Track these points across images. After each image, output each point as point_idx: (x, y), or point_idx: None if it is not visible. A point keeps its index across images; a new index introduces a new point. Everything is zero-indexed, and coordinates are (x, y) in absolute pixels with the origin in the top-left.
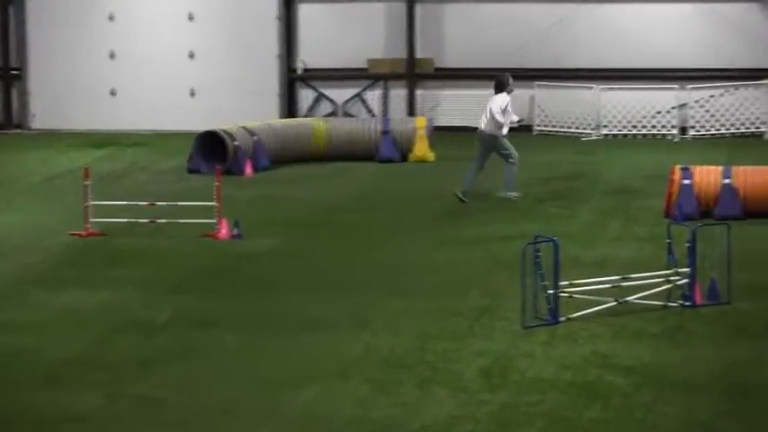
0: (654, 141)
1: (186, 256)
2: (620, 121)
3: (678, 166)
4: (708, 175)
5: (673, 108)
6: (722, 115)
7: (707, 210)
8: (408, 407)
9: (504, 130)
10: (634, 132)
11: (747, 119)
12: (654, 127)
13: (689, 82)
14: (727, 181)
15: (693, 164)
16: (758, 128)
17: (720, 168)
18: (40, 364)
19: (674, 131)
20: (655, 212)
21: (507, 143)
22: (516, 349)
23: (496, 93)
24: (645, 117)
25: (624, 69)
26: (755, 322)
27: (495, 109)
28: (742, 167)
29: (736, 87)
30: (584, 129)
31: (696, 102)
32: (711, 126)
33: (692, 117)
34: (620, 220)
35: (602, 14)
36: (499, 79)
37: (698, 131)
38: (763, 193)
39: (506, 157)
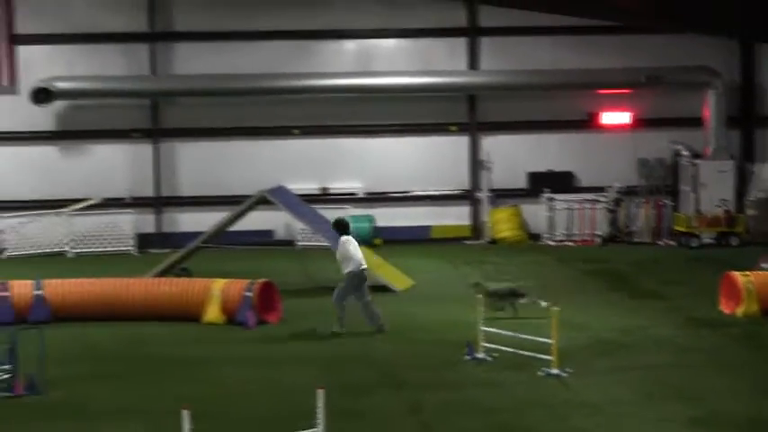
0: None
1: None
2: None
3: None
4: (21, 288)
5: None
6: (31, 239)
7: (23, 317)
8: None
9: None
10: None
11: (52, 241)
12: None
13: (5, 212)
14: (38, 292)
15: (10, 279)
16: (62, 248)
17: (32, 282)
18: None
19: None
20: None
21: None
22: None
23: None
24: None
25: None
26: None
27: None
28: (51, 280)
29: (41, 215)
30: None
31: (11, 227)
32: (23, 247)
33: (8, 240)
34: None
35: None
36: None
37: (13, 252)
38: (72, 301)
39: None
